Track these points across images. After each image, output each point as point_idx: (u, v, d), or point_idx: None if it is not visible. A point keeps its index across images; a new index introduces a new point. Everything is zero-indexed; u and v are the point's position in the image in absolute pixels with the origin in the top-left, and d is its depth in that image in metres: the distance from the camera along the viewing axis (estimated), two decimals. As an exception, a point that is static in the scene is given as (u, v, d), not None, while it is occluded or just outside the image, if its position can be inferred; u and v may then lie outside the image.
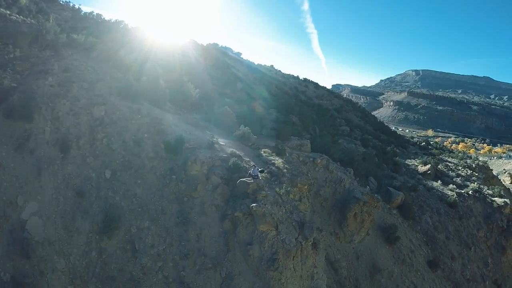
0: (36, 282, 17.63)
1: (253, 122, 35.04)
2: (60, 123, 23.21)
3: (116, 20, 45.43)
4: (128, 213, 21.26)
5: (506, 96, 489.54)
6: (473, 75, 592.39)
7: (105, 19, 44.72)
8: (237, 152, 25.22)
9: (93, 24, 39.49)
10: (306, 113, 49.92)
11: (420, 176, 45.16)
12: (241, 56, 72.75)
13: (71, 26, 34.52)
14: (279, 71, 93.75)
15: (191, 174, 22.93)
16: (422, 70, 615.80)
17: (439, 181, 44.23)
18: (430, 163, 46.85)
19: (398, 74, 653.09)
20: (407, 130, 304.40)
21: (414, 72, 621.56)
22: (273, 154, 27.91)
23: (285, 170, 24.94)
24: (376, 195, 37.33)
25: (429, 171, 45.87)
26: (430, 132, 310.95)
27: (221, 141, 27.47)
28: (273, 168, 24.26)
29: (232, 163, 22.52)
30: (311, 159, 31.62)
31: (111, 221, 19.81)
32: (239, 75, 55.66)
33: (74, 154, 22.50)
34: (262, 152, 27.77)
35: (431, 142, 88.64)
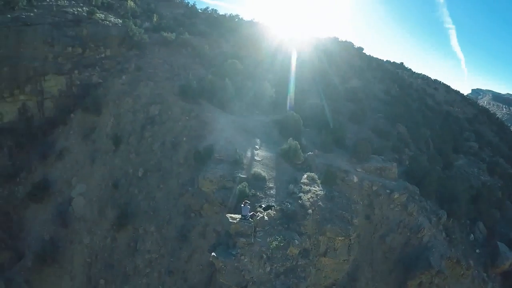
0: (66, 248, 25.28)
1: (336, 129, 32.57)
2: (121, 119, 30.21)
3: (230, 14, 51.19)
4: (143, 214, 25.94)
5: None
6: None
7: (219, 14, 51.02)
8: (262, 174, 24.93)
9: (203, 20, 46.14)
10: (420, 121, 41.26)
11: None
12: (363, 52, 65.48)
13: (178, 23, 41.64)
14: (409, 69, 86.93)
15: (202, 190, 24.75)
16: None
17: None
18: None
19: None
20: None
21: None
22: (317, 181, 25.62)
23: (310, 211, 22.64)
24: (477, 251, 29.30)
25: None
26: None
27: (261, 155, 27.61)
28: (292, 205, 22.45)
29: (239, 189, 22.60)
30: (387, 191, 27.09)
31: (122, 218, 24.87)
32: (354, 72, 50.84)
33: (123, 149, 29.02)
34: (305, 176, 25.87)
35: None
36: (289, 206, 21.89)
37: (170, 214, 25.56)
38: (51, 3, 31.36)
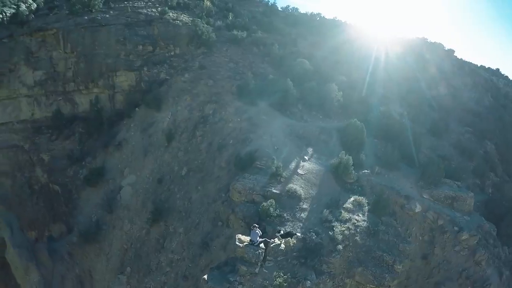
0: (108, 231, 26.54)
1: (407, 143, 26.72)
2: (177, 116, 30.22)
3: (311, 13, 48.01)
4: (176, 213, 25.43)
5: None
6: None
7: (300, 12, 48.52)
8: (298, 192, 21.54)
9: (282, 19, 43.96)
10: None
11: None
12: (454, 54, 51.84)
13: (255, 22, 40.42)
14: (506, 77, 67.09)
15: (233, 199, 22.79)
16: None
17: None
18: None
19: None
20: None
21: None
22: (364, 207, 21.19)
23: (341, 246, 18.40)
24: None
25: None
26: None
27: (307, 168, 24.21)
28: (318, 236, 18.38)
29: (262, 207, 19.60)
30: (455, 228, 21.99)
31: (156, 213, 25.05)
32: (442, 77, 41.21)
33: (174, 145, 28.99)
34: (351, 199, 21.58)
35: None
36: (314, 237, 18.16)
37: (200, 219, 24.36)
38: (128, 4, 33.32)
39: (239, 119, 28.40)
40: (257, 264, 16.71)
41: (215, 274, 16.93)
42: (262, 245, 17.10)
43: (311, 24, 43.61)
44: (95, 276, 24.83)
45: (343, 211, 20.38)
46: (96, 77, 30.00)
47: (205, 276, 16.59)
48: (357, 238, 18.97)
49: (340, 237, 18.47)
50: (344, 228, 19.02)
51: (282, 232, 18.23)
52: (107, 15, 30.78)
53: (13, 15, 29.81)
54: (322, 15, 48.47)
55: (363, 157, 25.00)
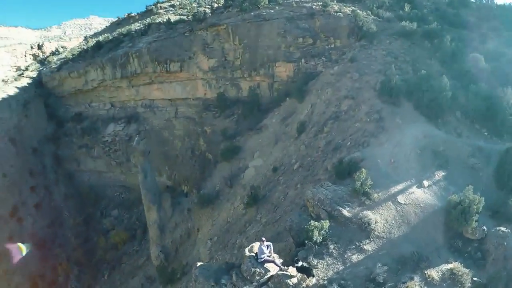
0: (222, 202, 27.90)
1: None
2: (315, 109, 28.28)
3: (510, 4, 33.35)
4: (269, 204, 24.24)
5: None
6: None
7: (497, 4, 35.64)
8: (372, 225, 15.61)
9: (474, 11, 33.79)
10: None
11: None
12: None
13: (438, 14, 32.11)
14: None
15: (307, 206, 19.72)
16: None
17: None
18: None
19: None
20: None
21: None
22: (461, 286, 13.12)
23: None
24: None
25: None
26: None
27: (414, 198, 17.47)
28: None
29: (308, 226, 15.48)
30: None
31: (251, 198, 24.91)
32: None
33: (301, 138, 27.56)
34: (445, 267, 14.16)
35: None
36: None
37: (282, 216, 22.01)
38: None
39: (368, 119, 23.04)
40: (251, 283, 13.70)
41: (211, 268, 15.23)
42: (269, 265, 13.76)
43: (510, 18, 30.94)
44: (199, 235, 27.82)
45: (415, 279, 13.02)
46: (258, 66, 32.23)
47: (198, 264, 15.28)
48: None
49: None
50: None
51: (300, 263, 13.83)
52: (272, 11, 31.90)
53: (193, 14, 36.06)
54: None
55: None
